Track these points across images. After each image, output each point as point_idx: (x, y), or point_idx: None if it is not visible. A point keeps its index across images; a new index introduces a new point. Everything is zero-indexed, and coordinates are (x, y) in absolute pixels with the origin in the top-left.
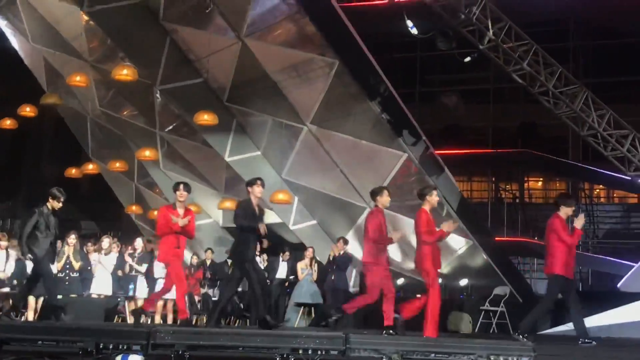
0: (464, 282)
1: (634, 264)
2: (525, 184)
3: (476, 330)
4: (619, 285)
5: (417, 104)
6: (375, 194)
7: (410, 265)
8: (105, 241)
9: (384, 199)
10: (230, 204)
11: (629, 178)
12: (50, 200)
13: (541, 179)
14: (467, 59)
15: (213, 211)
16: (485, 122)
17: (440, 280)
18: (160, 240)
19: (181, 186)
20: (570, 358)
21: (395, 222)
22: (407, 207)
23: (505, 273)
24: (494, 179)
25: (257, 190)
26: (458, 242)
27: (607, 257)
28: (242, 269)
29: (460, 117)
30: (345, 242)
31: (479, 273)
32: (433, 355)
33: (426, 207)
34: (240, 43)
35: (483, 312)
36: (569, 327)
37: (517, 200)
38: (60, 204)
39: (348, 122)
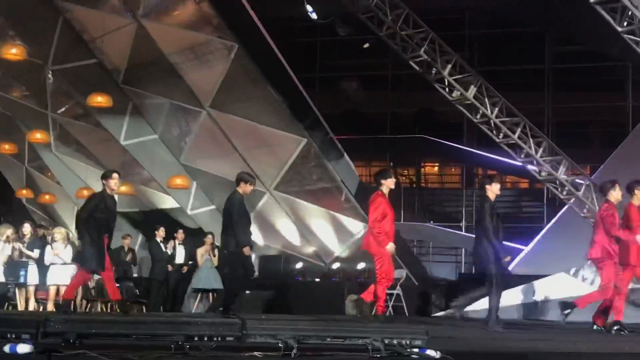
0: (361, 265)
1: (524, 247)
2: (422, 169)
3: (373, 313)
4: (510, 267)
5: (317, 89)
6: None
7: (309, 249)
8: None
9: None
10: (125, 189)
11: (520, 164)
12: None
13: (437, 164)
14: (366, 45)
15: None
16: (383, 108)
17: (338, 264)
18: None
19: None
20: (462, 339)
21: (295, 206)
22: (306, 191)
23: (402, 256)
24: (392, 164)
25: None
26: (356, 226)
27: None
28: None
29: (359, 103)
30: None
31: None
32: (329, 339)
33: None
34: (136, 24)
35: None
36: (460, 308)
37: (414, 185)
38: None
39: (248, 106)
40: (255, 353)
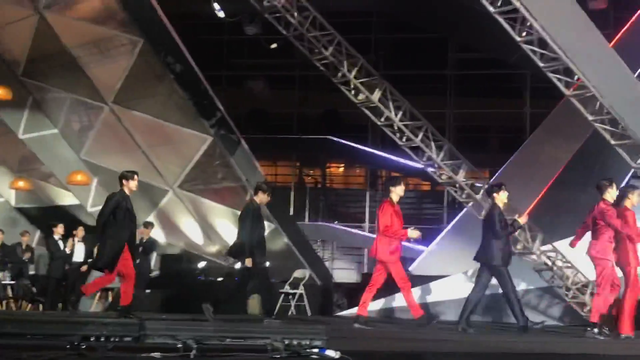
0: (266, 264)
1: (425, 248)
2: (328, 170)
3: (275, 313)
4: (410, 268)
5: (223, 87)
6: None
7: (213, 248)
8: None
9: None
10: (24, 184)
11: (422, 167)
12: None
13: (342, 165)
14: (273, 45)
15: (5, 190)
16: (290, 108)
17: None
18: None
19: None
20: (362, 339)
21: (199, 205)
22: (210, 190)
23: (306, 256)
24: (298, 164)
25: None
26: None
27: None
28: None
29: (266, 102)
30: (152, 226)
31: (279, 256)
32: (229, 340)
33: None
34: (37, 15)
35: (283, 295)
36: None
37: (320, 186)
38: None
39: (152, 102)
40: (154, 354)
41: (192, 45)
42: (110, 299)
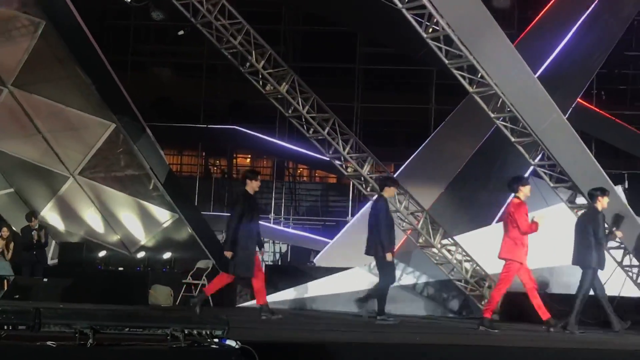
0: (167, 255)
1: (330, 240)
2: (234, 160)
3: (177, 303)
4: (314, 259)
5: (128, 73)
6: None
7: (114, 237)
8: None
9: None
10: None
11: (328, 159)
12: None
13: (249, 155)
14: (181, 32)
15: None
16: (197, 97)
17: (143, 253)
18: None
19: None
20: (263, 330)
21: (100, 193)
22: (113, 178)
23: (209, 247)
24: (204, 154)
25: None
26: (163, 215)
27: (307, 234)
28: None
29: (172, 90)
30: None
31: (183, 246)
32: (127, 329)
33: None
34: None
35: (185, 285)
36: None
37: (226, 176)
38: None
39: (54, 86)
40: (49, 343)
41: (97, 29)
42: (5, 287)
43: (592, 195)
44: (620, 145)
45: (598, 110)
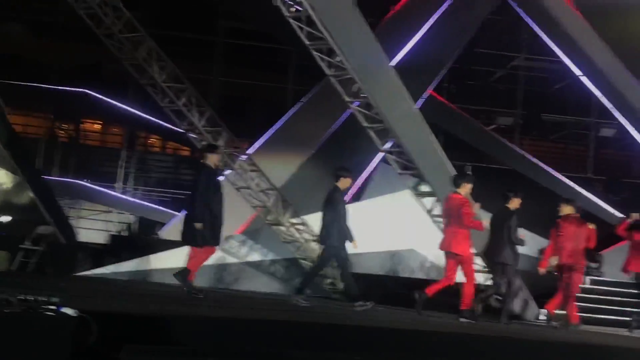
0: (6, 218)
1: (179, 213)
2: (83, 125)
3: (15, 268)
4: (160, 232)
5: None
6: None
7: None
8: None
9: None
10: None
11: (183, 131)
12: None
13: (100, 122)
14: None
15: None
16: (49, 58)
17: None
18: None
19: None
20: (102, 298)
21: None
22: None
23: (51, 213)
24: (52, 117)
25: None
26: (2, 177)
27: (155, 205)
28: None
29: (23, 48)
30: None
31: (23, 210)
32: None
33: None
34: None
35: (24, 251)
36: (107, 269)
37: (73, 141)
38: None
39: None
40: None
41: None
42: None
43: (507, 197)
44: (467, 138)
45: (448, 103)
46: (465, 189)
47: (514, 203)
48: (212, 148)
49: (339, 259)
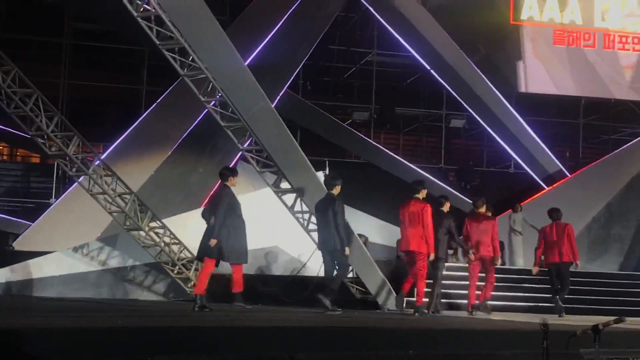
0: None
1: (31, 223)
2: None
3: None
4: (14, 244)
5: None
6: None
7: None
8: None
9: None
10: None
11: (30, 137)
12: None
13: None
14: None
15: None
16: None
17: None
18: None
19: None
20: None
21: None
22: None
23: None
24: None
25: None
26: None
27: (5, 216)
28: None
29: None
30: None
31: None
32: None
33: None
34: None
35: None
36: None
37: None
38: None
39: None
40: None
41: None
42: None
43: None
44: (323, 133)
45: (303, 99)
46: (423, 194)
47: (447, 206)
48: (232, 172)
49: (340, 264)
